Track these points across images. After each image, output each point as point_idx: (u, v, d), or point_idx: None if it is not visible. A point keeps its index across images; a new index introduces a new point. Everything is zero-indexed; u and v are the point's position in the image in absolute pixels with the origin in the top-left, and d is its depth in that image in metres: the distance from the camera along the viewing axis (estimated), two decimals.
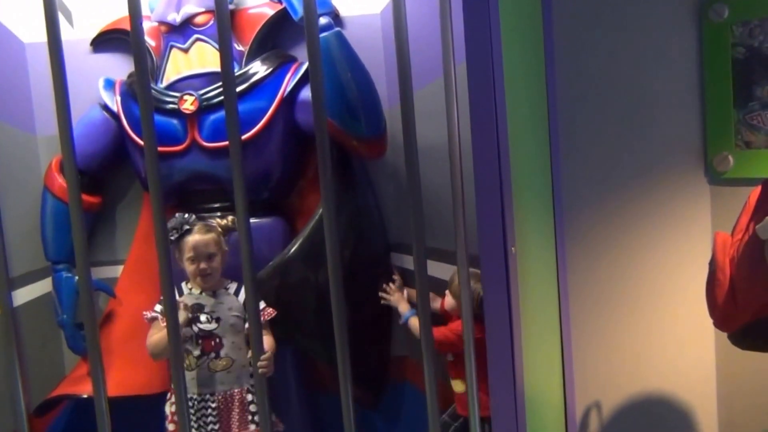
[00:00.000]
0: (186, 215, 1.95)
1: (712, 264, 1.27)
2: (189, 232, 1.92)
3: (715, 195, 1.68)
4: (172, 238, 1.92)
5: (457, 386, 1.95)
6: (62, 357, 2.48)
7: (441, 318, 2.04)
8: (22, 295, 2.23)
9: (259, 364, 1.48)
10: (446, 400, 2.00)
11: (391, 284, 2.24)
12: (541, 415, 1.64)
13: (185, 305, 1.92)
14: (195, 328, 1.94)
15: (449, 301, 1.95)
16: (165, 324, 1.95)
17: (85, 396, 2.15)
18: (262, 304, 1.96)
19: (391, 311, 2.42)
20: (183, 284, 2.04)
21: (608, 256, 1.70)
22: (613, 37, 1.65)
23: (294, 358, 2.24)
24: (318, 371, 2.29)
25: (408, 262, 2.33)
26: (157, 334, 1.94)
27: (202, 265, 1.93)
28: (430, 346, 1.59)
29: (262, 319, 1.88)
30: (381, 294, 2.23)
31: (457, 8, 1.54)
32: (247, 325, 1.92)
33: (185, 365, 1.94)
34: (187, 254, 1.94)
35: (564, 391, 1.68)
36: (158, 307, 1.98)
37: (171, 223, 1.93)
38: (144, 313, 2.02)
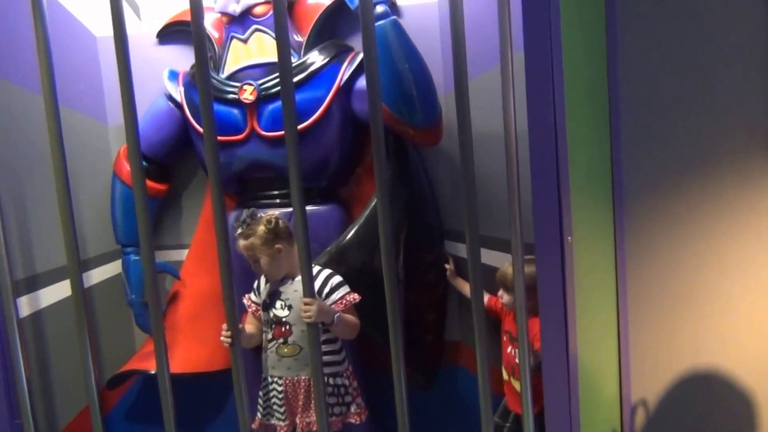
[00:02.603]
0: (245, 213, 1.95)
1: None
2: (240, 234, 1.94)
3: None
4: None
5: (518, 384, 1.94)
6: (132, 334, 2.62)
7: (487, 315, 2.03)
8: (96, 276, 2.37)
9: (304, 308, 1.62)
10: (498, 386, 2.00)
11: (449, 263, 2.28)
12: (596, 406, 1.62)
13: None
14: (270, 314, 1.97)
15: (508, 297, 1.92)
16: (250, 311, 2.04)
17: (153, 372, 2.25)
18: (346, 289, 1.96)
19: (446, 296, 2.43)
20: None
21: (669, 245, 1.64)
22: (678, 15, 1.57)
23: (350, 339, 2.26)
24: (373, 351, 2.32)
25: (462, 249, 2.33)
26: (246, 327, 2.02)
27: (254, 266, 1.96)
28: (481, 333, 1.60)
29: (344, 305, 1.91)
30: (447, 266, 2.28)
31: None
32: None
33: (264, 347, 2.01)
34: None
35: (620, 382, 1.65)
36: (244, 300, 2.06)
37: (234, 222, 1.97)
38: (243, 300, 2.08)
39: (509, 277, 1.85)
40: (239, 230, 1.91)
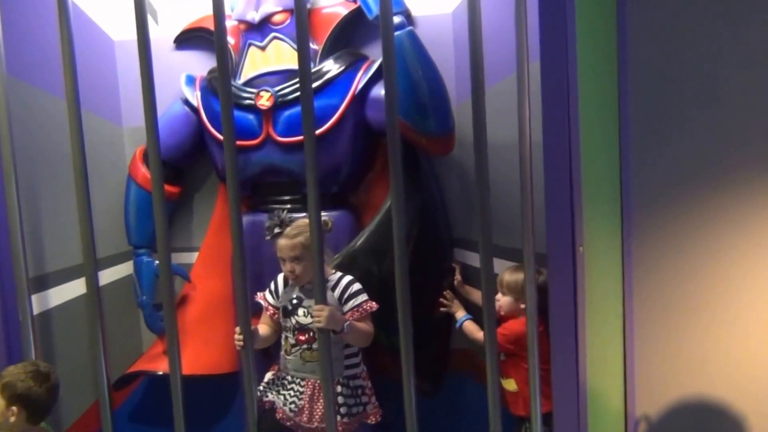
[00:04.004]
0: (283, 214, 1.95)
1: None
2: (281, 233, 1.92)
3: None
4: (268, 237, 1.95)
5: (509, 385, 1.96)
6: (140, 335, 2.63)
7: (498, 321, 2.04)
8: (105, 276, 2.38)
9: (315, 313, 1.68)
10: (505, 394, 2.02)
11: (449, 291, 2.28)
12: (602, 415, 1.64)
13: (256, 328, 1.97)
14: (293, 320, 1.97)
15: (504, 300, 1.94)
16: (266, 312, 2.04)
17: (160, 373, 2.27)
18: (364, 297, 1.96)
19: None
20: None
21: (677, 257, 1.66)
22: (689, 27, 1.59)
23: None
24: (379, 357, 2.33)
25: (470, 257, 2.35)
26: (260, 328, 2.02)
27: (288, 267, 1.93)
28: (493, 341, 1.61)
29: (361, 312, 1.92)
30: (442, 300, 2.27)
31: (532, 6, 1.54)
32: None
33: (284, 349, 2.00)
34: (278, 254, 1.95)
35: (625, 391, 1.67)
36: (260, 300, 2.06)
37: (268, 222, 1.95)
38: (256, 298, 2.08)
39: (503, 281, 1.93)
40: (277, 230, 1.91)
